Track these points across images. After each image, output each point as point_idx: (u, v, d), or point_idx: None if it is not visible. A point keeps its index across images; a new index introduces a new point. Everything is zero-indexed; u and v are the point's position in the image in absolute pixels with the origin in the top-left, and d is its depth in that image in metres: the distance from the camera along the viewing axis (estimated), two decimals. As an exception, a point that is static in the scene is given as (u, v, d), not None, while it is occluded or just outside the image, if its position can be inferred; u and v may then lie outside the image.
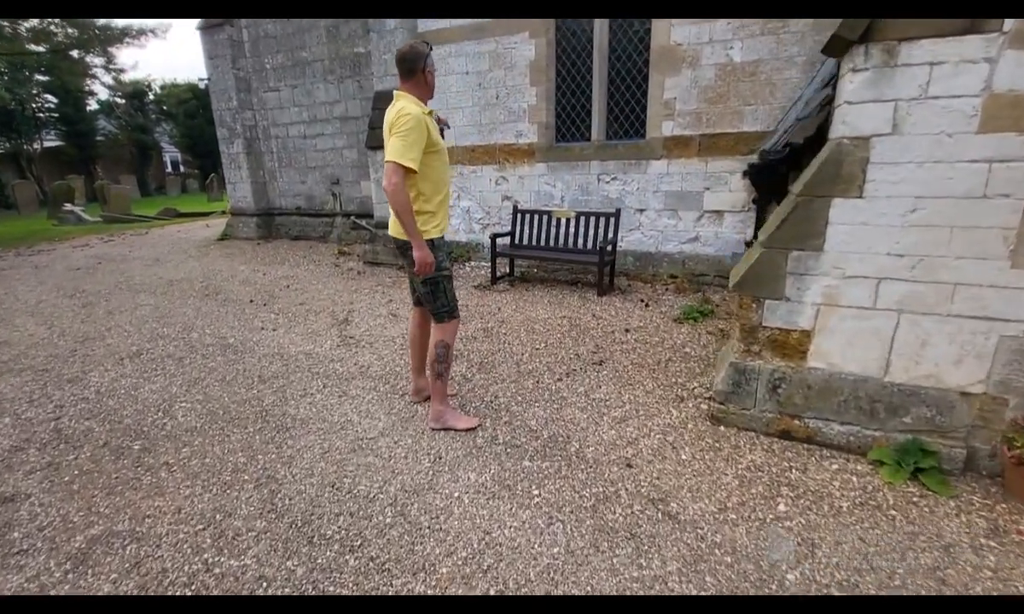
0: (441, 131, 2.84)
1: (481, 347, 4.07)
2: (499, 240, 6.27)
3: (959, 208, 2.21)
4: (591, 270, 6.32)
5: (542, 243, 6.31)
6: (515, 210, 6.47)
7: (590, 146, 6.55)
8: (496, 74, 6.81)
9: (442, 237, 2.72)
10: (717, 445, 2.67)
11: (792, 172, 4.96)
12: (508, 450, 2.67)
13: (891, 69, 2.20)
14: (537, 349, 3.99)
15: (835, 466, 2.49)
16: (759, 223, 5.82)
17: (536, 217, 6.35)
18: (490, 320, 4.75)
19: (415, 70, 2.57)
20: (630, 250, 6.49)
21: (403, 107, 2.47)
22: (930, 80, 2.15)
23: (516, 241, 6.45)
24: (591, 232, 6.08)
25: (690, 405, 3.05)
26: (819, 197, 2.43)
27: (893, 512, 2.20)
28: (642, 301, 5.25)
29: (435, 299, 2.73)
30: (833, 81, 2.58)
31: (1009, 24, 2.00)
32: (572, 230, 6.23)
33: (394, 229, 2.70)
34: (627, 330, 4.33)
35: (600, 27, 6.16)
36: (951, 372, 2.37)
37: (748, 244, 5.93)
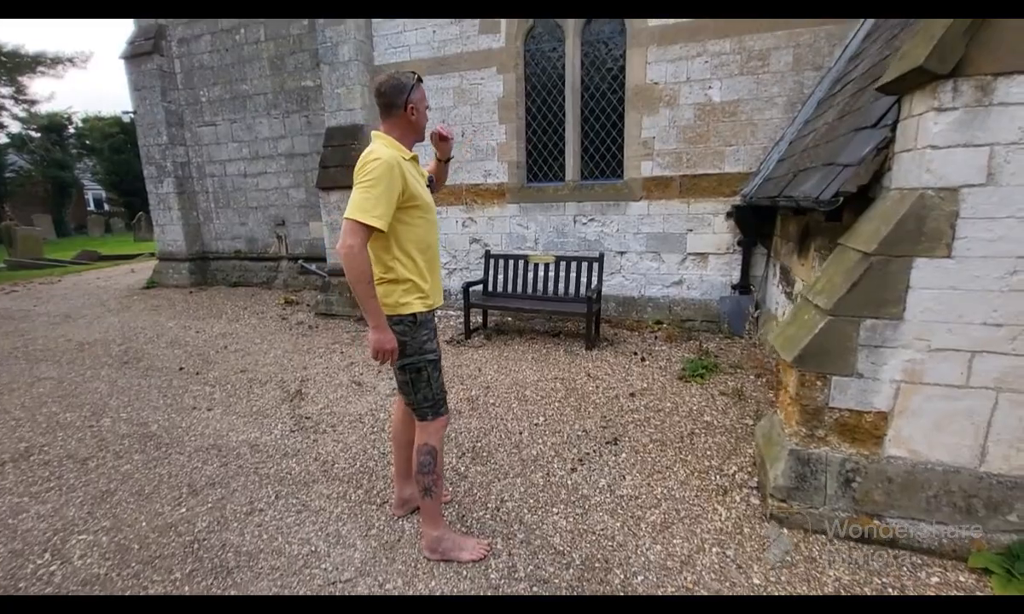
0: (429, 182, 2.29)
1: (470, 425, 3.44)
2: (471, 289, 5.69)
3: (1069, 270, 1.88)
4: (573, 319, 5.85)
5: (518, 290, 5.80)
6: (487, 255, 5.95)
7: (565, 186, 6.18)
8: (462, 111, 6.37)
9: (431, 312, 2.13)
10: (788, 558, 2.16)
11: (782, 217, 4.75)
12: (535, 588, 2.04)
13: (985, 109, 1.86)
14: (536, 425, 3.40)
15: (935, 579, 2.04)
16: (745, 266, 5.60)
17: (511, 262, 5.85)
18: (473, 386, 4.13)
19: (395, 105, 2.02)
20: (611, 295, 6.09)
21: (372, 150, 1.92)
22: (1031, 122, 1.83)
23: (489, 289, 5.91)
24: (572, 278, 5.63)
25: (737, 499, 2.55)
26: (897, 257, 2.05)
27: (1025, 646, 1.75)
28: (635, 354, 4.80)
29: (416, 391, 2.12)
30: (893, 122, 2.26)
31: None
32: (551, 275, 5.77)
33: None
34: (632, 394, 3.84)
35: (572, 64, 5.88)
36: (1063, 461, 2.00)
37: (734, 288, 5.68)
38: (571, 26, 5.76)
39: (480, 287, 5.88)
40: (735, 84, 5.33)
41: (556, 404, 3.71)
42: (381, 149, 1.94)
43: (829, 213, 2.70)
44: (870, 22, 4.71)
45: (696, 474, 2.77)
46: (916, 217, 2.00)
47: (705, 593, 1.99)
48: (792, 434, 2.38)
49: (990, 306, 1.98)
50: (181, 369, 4.89)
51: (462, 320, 5.76)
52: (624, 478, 2.75)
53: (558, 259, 5.69)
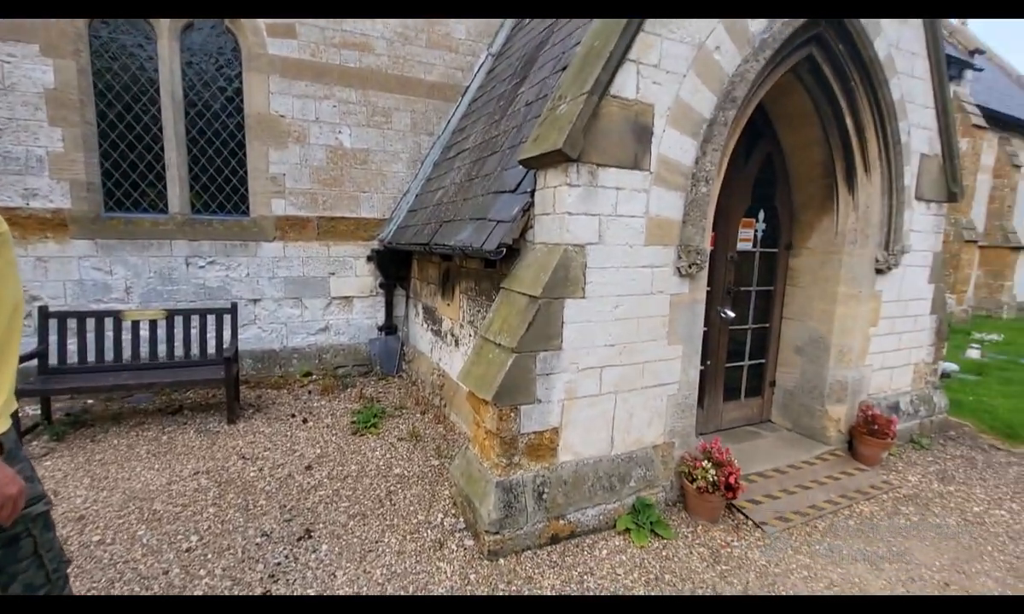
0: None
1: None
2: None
3: (641, 302, 2.75)
4: (199, 388, 4.63)
5: (107, 360, 4.15)
6: (43, 315, 4.00)
7: (170, 220, 4.88)
8: (-32, 94, 4.11)
9: (10, 428, 1.22)
10: (513, 588, 2.29)
11: (419, 260, 5.18)
12: None
13: (595, 188, 2.53)
14: (190, 550, 2.44)
15: (604, 551, 2.57)
16: (389, 307, 5.82)
17: (90, 322, 4.13)
18: (48, 524, 2.61)
19: None
20: (247, 350, 5.17)
21: None
22: (618, 201, 2.59)
23: (53, 364, 3.99)
24: (193, 336, 4.45)
25: (454, 547, 2.53)
26: (555, 299, 2.51)
27: (663, 573, 2.42)
28: (294, 416, 4.20)
29: (10, 578, 1.18)
30: (531, 190, 2.77)
31: (654, 165, 2.66)
32: (161, 335, 4.39)
33: None
34: (308, 466, 3.30)
35: (170, 71, 4.75)
36: (647, 433, 2.90)
37: (380, 329, 5.81)
38: (165, 25, 4.63)
39: (35, 363, 3.87)
40: (364, 134, 5.51)
41: (211, 510, 2.79)
42: None
43: (488, 260, 3.09)
44: (464, 105, 5.79)
45: (408, 537, 2.60)
46: (564, 267, 2.51)
47: (461, 668, 1.86)
48: (493, 466, 2.56)
49: (607, 332, 2.68)
50: None
51: (-5, 421, 3.63)
52: (335, 576, 2.29)
53: (171, 313, 4.39)
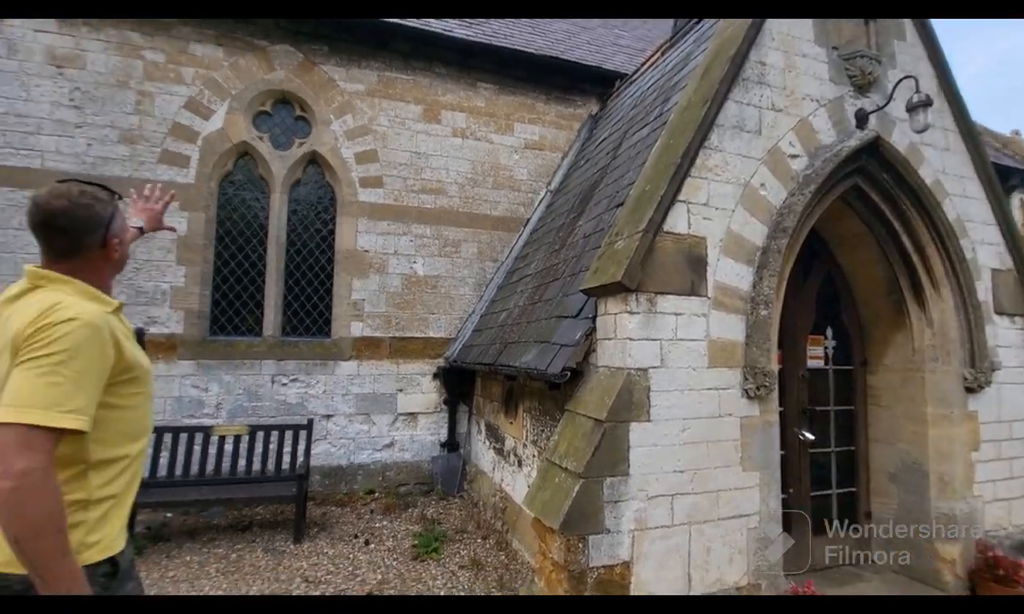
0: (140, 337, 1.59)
1: None
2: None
3: (709, 426, 2.71)
4: (268, 505, 4.77)
5: (192, 475, 4.44)
6: (147, 431, 4.42)
7: (263, 342, 5.42)
8: (119, 244, 4.99)
9: (126, 547, 1.34)
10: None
11: (482, 378, 5.37)
12: None
13: (654, 315, 2.65)
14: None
15: (685, 713, 2.30)
16: (452, 424, 5.94)
17: (182, 437, 4.50)
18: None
19: (85, 245, 1.32)
20: (316, 465, 5.35)
21: (60, 304, 1.20)
22: (677, 326, 2.69)
23: (144, 476, 4.31)
24: (271, 451, 4.71)
25: (519, 694, 2.36)
26: (621, 422, 2.54)
27: None
28: (356, 537, 4.21)
29: None
30: (593, 316, 2.93)
31: (711, 292, 2.77)
32: (242, 450, 4.68)
33: None
34: (369, 594, 3.27)
35: (278, 218, 5.57)
36: (728, 572, 2.69)
37: (443, 446, 5.88)
38: (279, 182, 5.54)
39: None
40: (435, 263, 6.06)
41: (275, 634, 2.78)
42: (74, 301, 1.23)
43: (552, 383, 3.19)
44: (526, 234, 6.27)
45: (471, 678, 2.45)
46: (628, 390, 2.57)
47: None
48: (561, 602, 2.44)
49: (676, 456, 2.63)
50: None
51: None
52: None
53: (253, 429, 4.71)
